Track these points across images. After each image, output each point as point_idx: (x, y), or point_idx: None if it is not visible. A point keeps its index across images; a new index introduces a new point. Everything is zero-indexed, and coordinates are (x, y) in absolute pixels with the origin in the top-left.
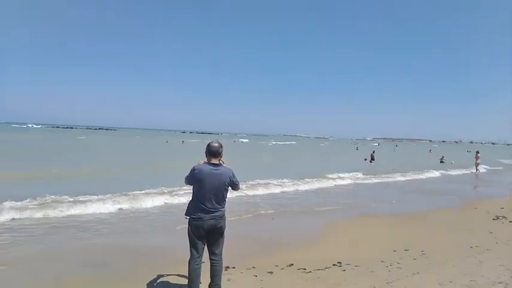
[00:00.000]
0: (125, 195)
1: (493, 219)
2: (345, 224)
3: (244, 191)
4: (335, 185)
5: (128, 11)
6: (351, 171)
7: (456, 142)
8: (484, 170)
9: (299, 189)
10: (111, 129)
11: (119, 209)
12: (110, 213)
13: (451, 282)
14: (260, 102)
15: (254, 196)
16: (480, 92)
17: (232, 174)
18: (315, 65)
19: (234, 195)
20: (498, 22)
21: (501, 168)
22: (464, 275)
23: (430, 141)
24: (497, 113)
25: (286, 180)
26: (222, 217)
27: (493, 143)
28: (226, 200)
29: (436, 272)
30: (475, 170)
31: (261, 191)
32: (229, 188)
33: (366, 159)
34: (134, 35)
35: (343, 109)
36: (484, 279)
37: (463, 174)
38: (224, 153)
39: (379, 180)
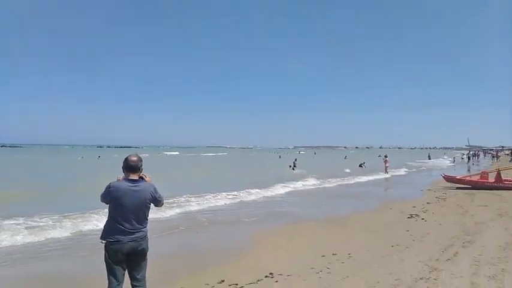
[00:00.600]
0: (27, 223)
1: (408, 217)
2: (273, 233)
3: (172, 207)
4: (263, 196)
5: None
6: (278, 179)
7: (368, 148)
8: (393, 173)
9: (227, 202)
10: (16, 146)
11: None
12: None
13: (378, 283)
14: (185, 112)
15: (184, 212)
16: (384, 102)
17: (154, 189)
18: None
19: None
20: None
21: (407, 170)
22: (390, 274)
23: (345, 147)
24: (401, 121)
25: (217, 193)
26: (144, 238)
27: (399, 148)
28: (148, 219)
29: (364, 274)
30: (385, 173)
31: (189, 206)
32: (152, 204)
33: (290, 166)
34: (35, 43)
35: (266, 120)
36: (407, 276)
37: (375, 178)
38: (174, 168)
39: (304, 187)
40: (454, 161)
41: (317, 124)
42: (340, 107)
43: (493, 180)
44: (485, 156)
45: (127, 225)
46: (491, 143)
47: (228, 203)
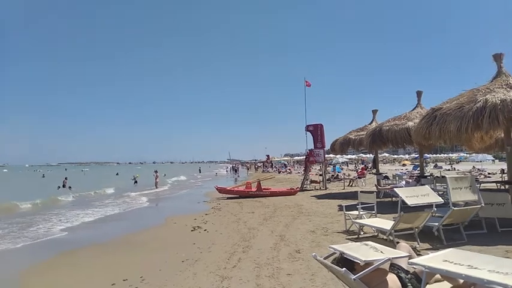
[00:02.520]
0: None
1: (192, 230)
2: (45, 267)
3: None
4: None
5: None
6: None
7: (141, 163)
8: (165, 187)
9: None
10: None
11: None
12: None
13: None
14: None
15: None
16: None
17: None
18: None
19: None
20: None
21: (181, 182)
22: None
23: (117, 163)
24: (171, 137)
25: None
26: None
27: (171, 162)
28: None
29: None
30: (155, 188)
31: None
32: None
33: (59, 187)
34: None
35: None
36: None
37: (149, 192)
38: None
39: (79, 211)
40: (216, 174)
41: (86, 139)
42: (112, 122)
43: (255, 189)
44: (242, 167)
45: None
46: (246, 157)
47: None
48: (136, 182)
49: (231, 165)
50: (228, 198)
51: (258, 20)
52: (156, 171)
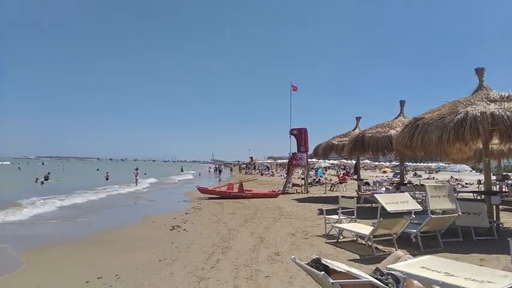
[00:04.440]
0: None
1: (170, 229)
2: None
3: None
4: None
5: None
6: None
7: (122, 160)
8: (146, 185)
9: None
10: None
11: None
12: None
13: None
14: None
15: None
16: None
17: None
18: None
19: None
20: None
21: (162, 181)
22: None
23: (98, 159)
24: (155, 136)
25: None
26: None
27: (153, 160)
28: None
29: None
30: (135, 186)
31: None
32: None
33: (37, 180)
34: None
35: None
36: None
37: (127, 191)
38: None
39: (58, 204)
40: (200, 174)
41: (67, 132)
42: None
43: (237, 190)
44: (225, 168)
45: None
46: (230, 158)
47: None
48: (107, 178)
49: (214, 166)
50: (210, 198)
51: (249, 25)
52: (136, 169)
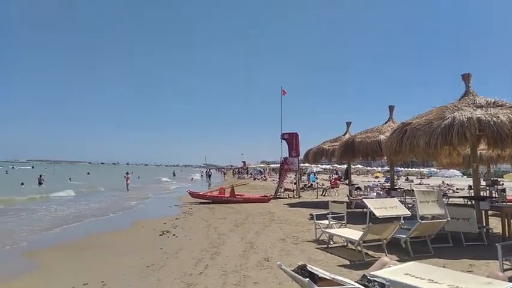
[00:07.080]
0: None
1: (160, 235)
2: None
3: None
4: None
5: None
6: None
7: (114, 164)
8: (136, 191)
9: None
10: None
11: None
12: None
13: None
14: None
15: None
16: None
17: None
18: None
19: None
20: None
21: (156, 186)
22: None
23: (90, 163)
24: (144, 140)
25: None
26: None
27: (146, 164)
28: None
29: None
30: (126, 191)
31: None
32: None
33: (22, 184)
34: None
35: None
36: None
37: (119, 195)
38: None
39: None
40: (192, 179)
41: (58, 136)
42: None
43: (229, 195)
44: (219, 173)
45: None
46: (223, 162)
47: None
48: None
49: (209, 170)
50: (201, 203)
51: (249, 28)
52: (127, 173)
